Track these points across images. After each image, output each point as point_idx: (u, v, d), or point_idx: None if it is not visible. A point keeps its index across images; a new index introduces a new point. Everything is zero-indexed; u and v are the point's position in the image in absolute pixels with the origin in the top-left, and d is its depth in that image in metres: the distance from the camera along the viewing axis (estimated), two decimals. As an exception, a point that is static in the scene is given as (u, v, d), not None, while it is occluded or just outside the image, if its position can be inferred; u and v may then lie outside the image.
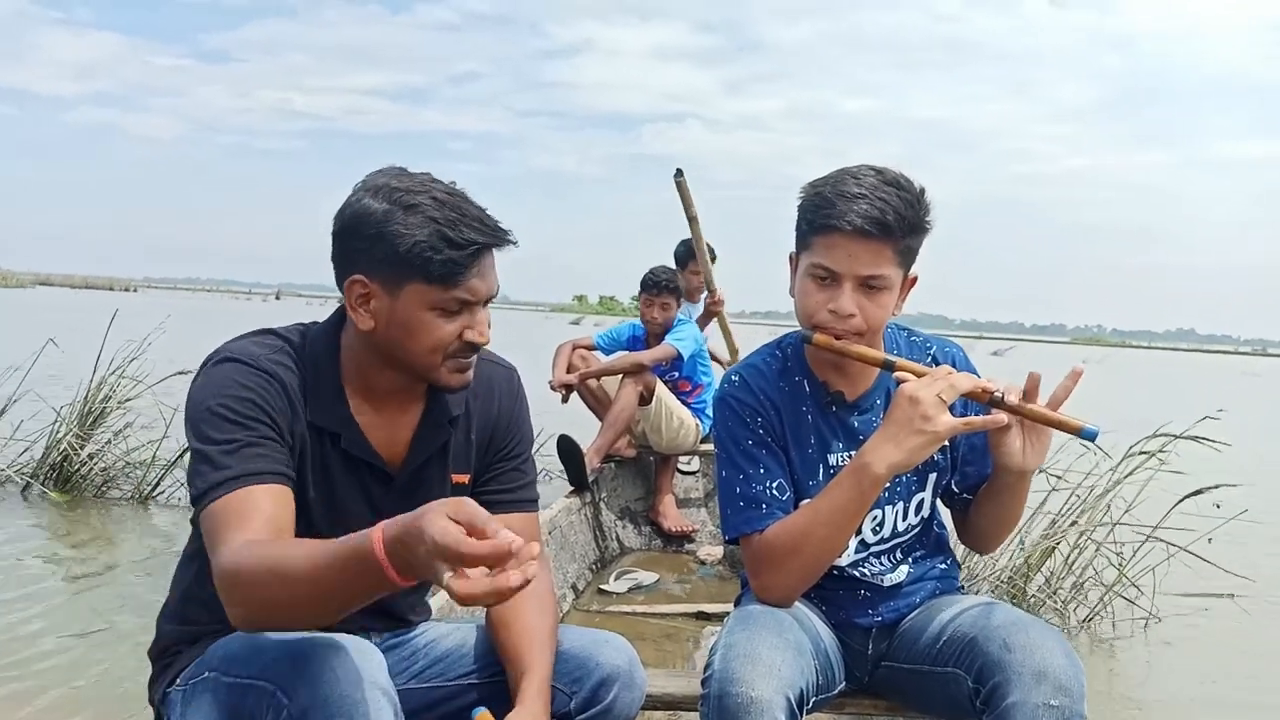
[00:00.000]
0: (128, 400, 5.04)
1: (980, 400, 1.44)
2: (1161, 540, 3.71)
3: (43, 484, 4.75)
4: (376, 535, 1.02)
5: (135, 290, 70.38)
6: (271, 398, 1.29)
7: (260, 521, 1.19)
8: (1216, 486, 3.71)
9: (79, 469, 4.81)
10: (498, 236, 1.30)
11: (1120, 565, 3.72)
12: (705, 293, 5.31)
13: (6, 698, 2.51)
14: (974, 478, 1.64)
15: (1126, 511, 3.71)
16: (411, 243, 1.24)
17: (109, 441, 4.94)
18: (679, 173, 4.65)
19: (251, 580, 1.11)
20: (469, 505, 0.98)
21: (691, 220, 4.85)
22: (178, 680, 1.33)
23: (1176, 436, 3.79)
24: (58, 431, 4.85)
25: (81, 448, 4.83)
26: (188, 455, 1.29)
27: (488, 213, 1.31)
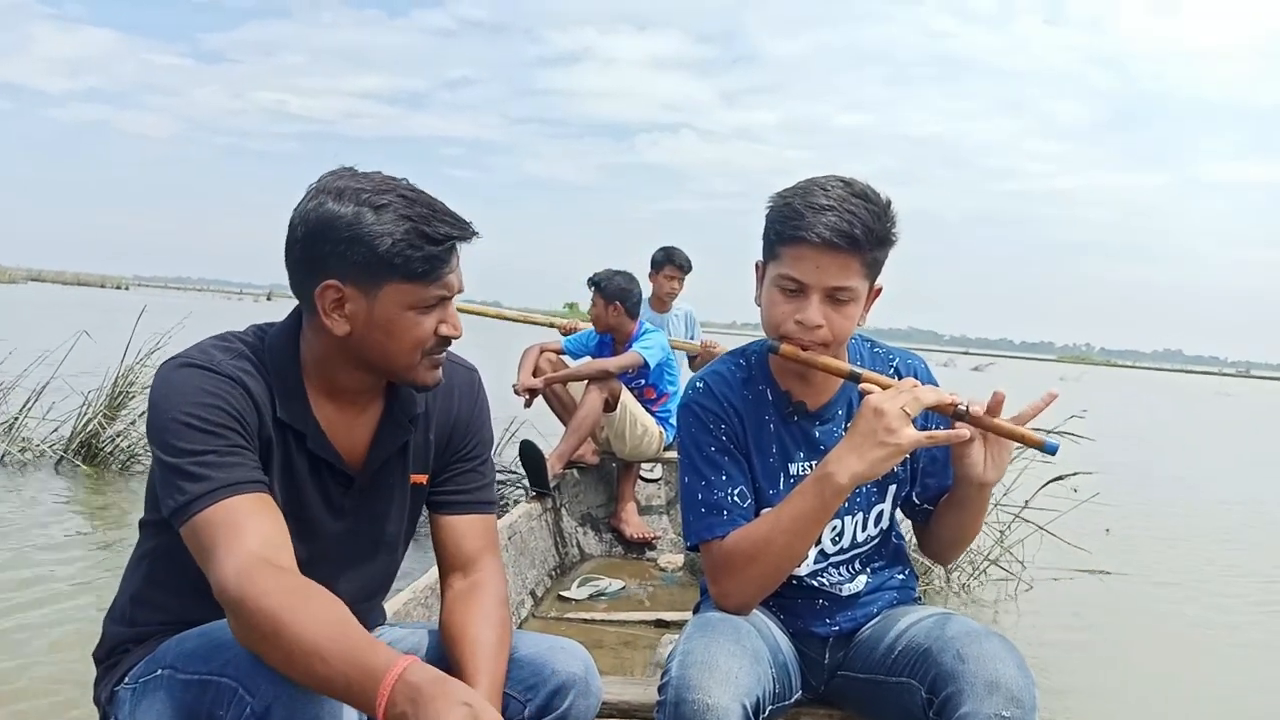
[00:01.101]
0: (149, 387, 5.47)
1: (944, 413, 1.46)
2: (1030, 521, 4.46)
3: (73, 458, 5.35)
4: (388, 682, 1.06)
5: (127, 288, 70.80)
6: (238, 403, 1.26)
7: (257, 532, 1.17)
8: (1075, 474, 4.37)
9: (105, 446, 5.46)
10: (466, 230, 1.30)
11: (1000, 540, 4.44)
12: (679, 300, 5.34)
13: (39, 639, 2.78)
14: (934, 489, 1.66)
15: (1005, 493, 4.38)
16: (390, 242, 1.23)
17: (133, 423, 5.53)
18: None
19: (255, 619, 1.10)
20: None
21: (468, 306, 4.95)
22: (126, 679, 1.30)
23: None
24: (85, 413, 5.48)
25: (107, 427, 5.48)
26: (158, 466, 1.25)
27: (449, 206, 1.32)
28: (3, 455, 5.33)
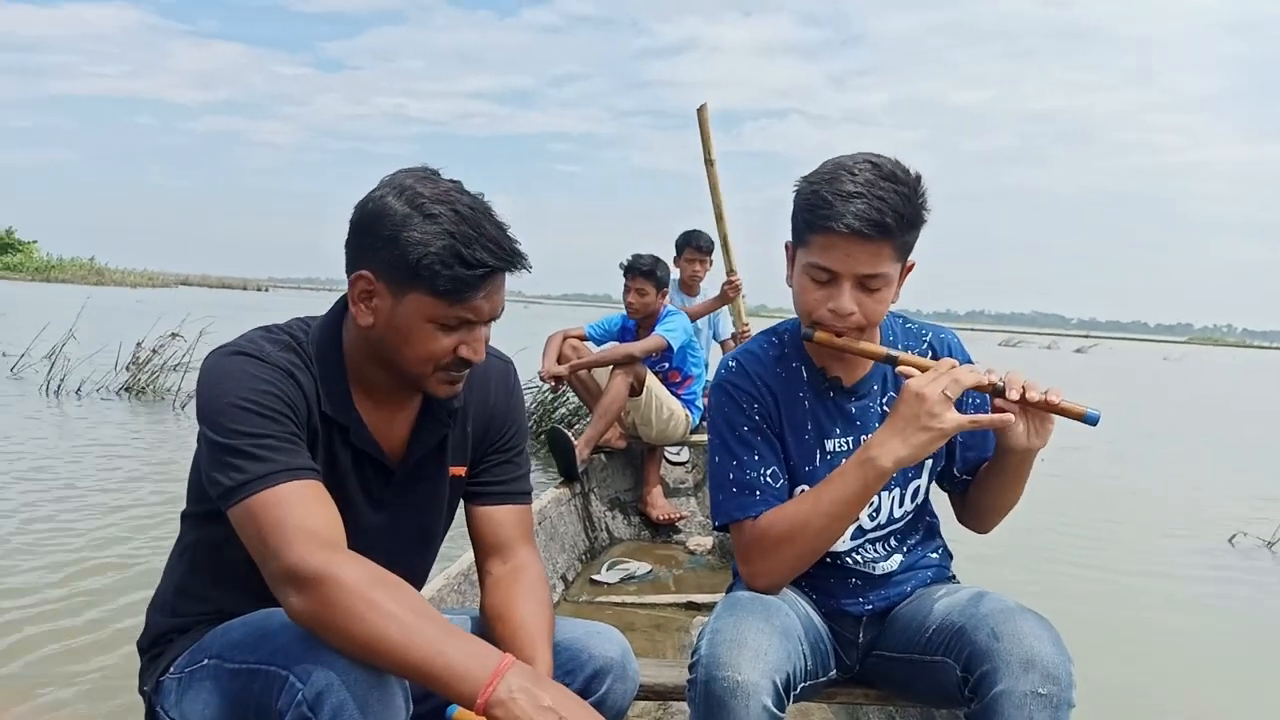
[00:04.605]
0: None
1: (984, 391, 1.44)
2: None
3: None
4: (499, 670, 1.11)
5: (266, 290, 73.30)
6: (290, 393, 1.28)
7: (325, 518, 1.19)
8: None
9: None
10: (510, 261, 1.28)
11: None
12: (705, 281, 5.31)
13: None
14: (974, 461, 1.65)
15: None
16: (423, 253, 1.23)
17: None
18: (702, 107, 4.61)
19: (341, 595, 1.12)
20: None
21: (708, 164, 4.74)
22: (171, 669, 1.32)
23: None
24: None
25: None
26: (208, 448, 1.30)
27: (508, 233, 1.28)
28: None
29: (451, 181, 1.29)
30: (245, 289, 69.75)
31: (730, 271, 4.93)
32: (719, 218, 4.88)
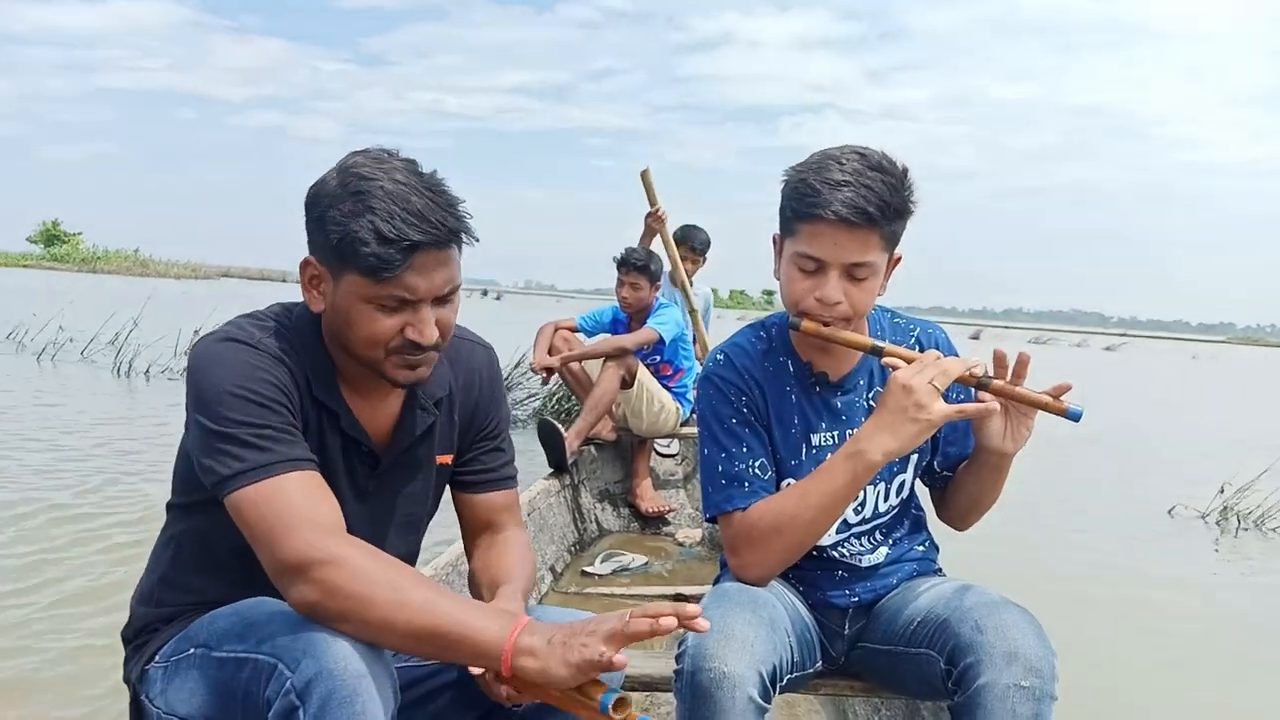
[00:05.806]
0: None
1: (967, 384, 1.45)
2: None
3: None
4: (509, 644, 1.12)
5: None
6: (284, 381, 1.27)
7: (329, 507, 1.20)
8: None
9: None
10: (438, 235, 1.21)
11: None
12: (696, 278, 5.33)
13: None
14: (955, 457, 1.66)
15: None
16: (344, 232, 1.19)
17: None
18: (645, 170, 4.80)
19: (354, 578, 1.12)
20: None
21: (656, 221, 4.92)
22: (156, 658, 1.32)
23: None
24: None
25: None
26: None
27: (452, 209, 1.23)
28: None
29: (403, 161, 1.25)
30: (285, 281, 69.96)
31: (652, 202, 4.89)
32: (675, 266, 5.03)
